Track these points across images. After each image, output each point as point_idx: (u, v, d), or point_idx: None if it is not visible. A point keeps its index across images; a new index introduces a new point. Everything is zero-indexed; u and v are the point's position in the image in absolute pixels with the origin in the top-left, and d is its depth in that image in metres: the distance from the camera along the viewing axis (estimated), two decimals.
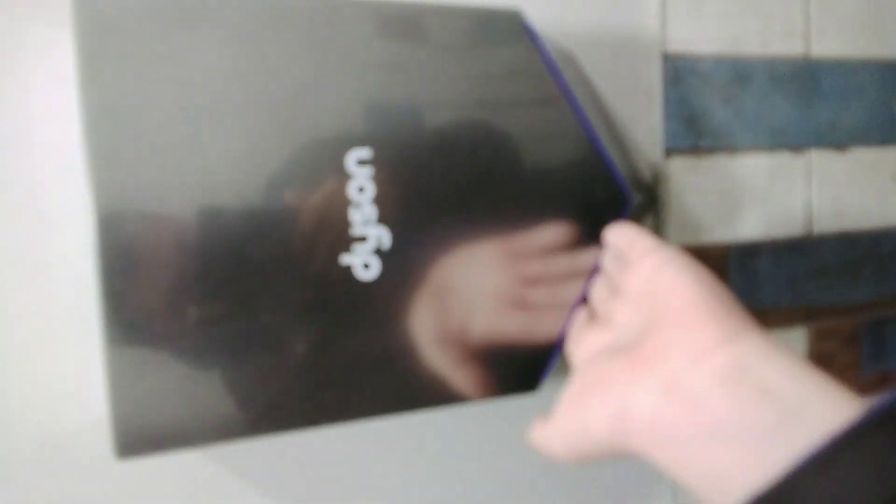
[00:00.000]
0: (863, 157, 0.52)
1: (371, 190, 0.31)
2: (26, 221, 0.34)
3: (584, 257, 0.35)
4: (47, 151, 0.34)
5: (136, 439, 0.28)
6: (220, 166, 0.29)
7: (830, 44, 0.50)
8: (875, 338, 0.53)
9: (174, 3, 0.28)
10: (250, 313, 0.29)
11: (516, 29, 0.34)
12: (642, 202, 0.45)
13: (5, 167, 0.33)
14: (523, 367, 0.35)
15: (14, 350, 0.34)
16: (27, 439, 0.34)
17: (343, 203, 0.31)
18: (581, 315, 0.35)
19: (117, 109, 0.27)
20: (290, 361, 0.30)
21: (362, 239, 0.31)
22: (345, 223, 0.31)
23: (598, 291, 0.34)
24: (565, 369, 0.42)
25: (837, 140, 0.51)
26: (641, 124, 0.46)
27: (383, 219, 0.31)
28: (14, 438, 0.34)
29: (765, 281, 0.49)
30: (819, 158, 0.51)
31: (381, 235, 0.31)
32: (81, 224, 0.34)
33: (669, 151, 0.46)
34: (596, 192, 0.36)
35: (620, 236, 0.34)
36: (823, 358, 0.52)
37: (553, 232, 0.35)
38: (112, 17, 0.27)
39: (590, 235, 0.35)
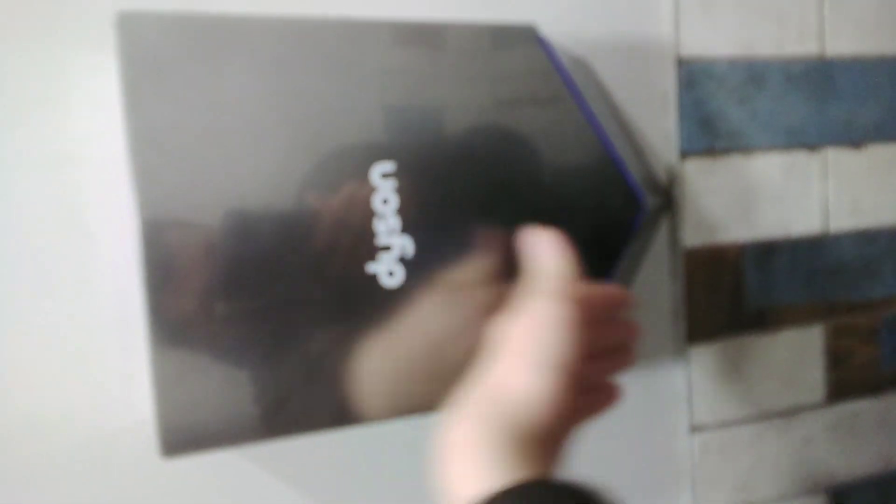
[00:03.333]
0: (879, 154, 0.52)
1: (395, 201, 0.33)
2: (73, 237, 0.36)
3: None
4: (90, 170, 0.36)
5: (181, 439, 0.30)
6: (252, 181, 0.31)
7: (845, 43, 0.51)
8: (894, 333, 0.54)
9: (209, 29, 0.30)
10: (282, 321, 0.31)
11: (531, 42, 0.35)
12: (659, 204, 0.46)
13: (52, 186, 0.36)
14: None
15: (64, 358, 0.36)
16: (76, 441, 0.36)
17: (368, 214, 0.32)
18: None
19: (158, 132, 0.29)
20: (321, 366, 0.32)
21: (387, 248, 0.33)
22: (370, 233, 0.32)
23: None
24: None
25: (854, 138, 0.51)
26: (657, 128, 0.47)
27: (407, 228, 0.33)
28: (64, 440, 0.36)
29: (782, 279, 0.50)
30: (835, 156, 0.51)
31: (405, 244, 0.33)
32: (123, 239, 0.36)
33: (685, 154, 0.47)
34: (610, 197, 0.37)
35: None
36: (842, 354, 0.52)
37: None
38: (153, 44, 0.29)
39: (605, 239, 0.37)
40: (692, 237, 0.48)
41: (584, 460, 0.47)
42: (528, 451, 0.26)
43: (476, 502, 0.24)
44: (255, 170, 0.31)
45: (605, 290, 0.35)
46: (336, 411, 0.33)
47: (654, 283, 0.48)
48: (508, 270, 0.34)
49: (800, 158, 0.50)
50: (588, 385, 0.33)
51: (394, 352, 0.33)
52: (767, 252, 0.49)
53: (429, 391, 0.33)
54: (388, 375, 0.33)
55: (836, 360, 0.52)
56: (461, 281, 0.34)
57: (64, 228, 0.36)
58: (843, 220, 0.51)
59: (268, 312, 0.31)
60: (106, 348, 0.37)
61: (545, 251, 0.33)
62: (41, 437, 0.36)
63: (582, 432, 0.46)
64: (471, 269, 0.34)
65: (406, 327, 0.33)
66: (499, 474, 0.25)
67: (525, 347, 0.29)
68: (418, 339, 0.33)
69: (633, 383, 0.48)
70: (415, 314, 0.33)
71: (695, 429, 0.49)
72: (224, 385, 0.31)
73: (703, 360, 0.49)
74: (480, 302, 0.34)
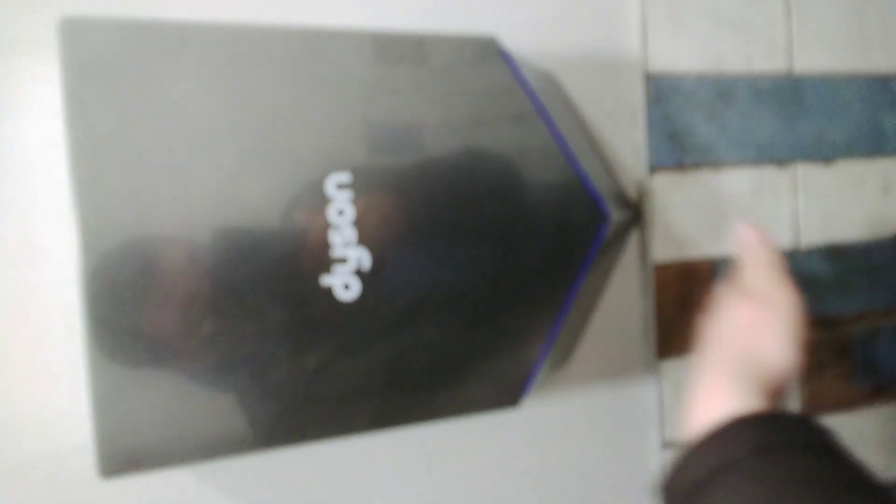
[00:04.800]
0: (849, 170, 0.52)
1: (351, 213, 0.32)
2: (19, 248, 0.35)
3: None
4: (40, 180, 0.35)
5: (120, 459, 0.29)
6: (201, 193, 0.30)
7: (813, 59, 0.51)
8: (867, 349, 0.53)
9: (155, 36, 0.29)
10: (232, 335, 0.30)
11: (492, 54, 0.35)
12: (628, 219, 0.45)
13: (0, 196, 0.35)
14: (504, 383, 0.35)
15: (8, 372, 0.35)
16: (17, 460, 0.35)
17: (323, 226, 0.32)
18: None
19: (101, 142, 0.28)
20: (272, 381, 0.31)
21: (342, 260, 0.32)
22: (325, 245, 0.32)
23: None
24: (543, 388, 0.42)
25: (823, 153, 0.51)
26: (626, 142, 0.47)
27: (363, 240, 0.32)
28: (8, 457, 0.35)
29: None
30: (805, 172, 0.51)
31: (361, 256, 0.32)
32: (71, 250, 0.35)
33: (654, 168, 0.47)
34: (574, 210, 0.36)
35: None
36: (815, 370, 0.52)
37: None
38: (96, 50, 0.28)
39: (568, 253, 0.36)
40: (662, 252, 0.47)
41: (555, 478, 0.47)
42: (770, 395, 0.33)
43: (732, 417, 0.30)
44: (204, 183, 0.30)
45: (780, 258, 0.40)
46: (292, 427, 0.32)
47: (625, 299, 0.47)
48: None
49: (769, 174, 0.50)
50: None
51: None
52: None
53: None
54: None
55: (810, 376, 0.52)
56: None
57: (12, 240, 0.35)
58: (814, 236, 0.51)
59: (217, 327, 0.30)
60: (52, 363, 0.35)
61: (756, 245, 0.39)
62: None
63: (553, 449, 0.46)
64: None
65: None
66: (747, 403, 0.31)
67: (776, 325, 0.35)
68: None
69: (604, 399, 0.47)
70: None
71: (667, 445, 0.48)
72: (169, 402, 0.30)
73: (674, 376, 0.48)
74: None
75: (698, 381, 0.35)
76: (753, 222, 0.40)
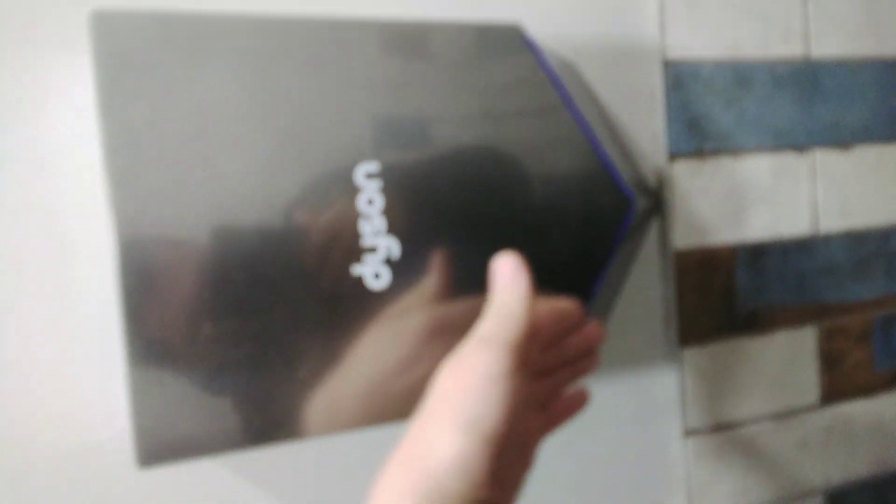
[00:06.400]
0: (867, 155, 0.52)
1: (380, 202, 0.32)
2: (50, 246, 0.35)
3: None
4: (69, 178, 0.35)
5: (157, 449, 0.29)
6: (233, 186, 0.30)
7: (830, 44, 0.51)
8: (886, 334, 0.53)
9: (186, 31, 0.29)
10: (265, 327, 0.30)
11: (516, 41, 0.35)
12: (649, 206, 0.45)
13: (29, 194, 0.35)
14: None
15: (41, 369, 0.35)
16: (54, 451, 0.35)
17: (353, 215, 0.32)
18: None
19: (135, 136, 0.28)
20: (304, 371, 0.31)
21: (372, 250, 0.32)
22: (355, 235, 0.32)
23: None
24: None
25: (841, 139, 0.51)
26: (645, 130, 0.47)
27: (392, 229, 0.32)
28: (42, 450, 0.35)
29: (773, 281, 0.49)
30: (823, 158, 0.51)
31: (391, 246, 0.32)
32: (102, 248, 0.36)
33: (673, 156, 0.47)
34: (600, 199, 0.36)
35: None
36: (834, 356, 0.52)
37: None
38: (127, 44, 0.28)
39: (595, 242, 0.36)
40: (682, 239, 0.47)
41: (575, 467, 0.47)
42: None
43: None
44: (236, 174, 0.30)
45: (557, 307, 0.33)
46: (319, 418, 0.32)
47: (645, 287, 0.47)
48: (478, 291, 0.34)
49: (788, 160, 0.50)
50: (547, 400, 0.32)
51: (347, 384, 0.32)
52: (758, 254, 0.49)
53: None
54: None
55: (830, 362, 0.52)
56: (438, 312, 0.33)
57: (43, 237, 0.35)
58: (833, 222, 0.51)
59: (251, 320, 0.30)
60: (86, 359, 0.36)
61: (500, 279, 0.30)
62: (21, 449, 0.35)
63: (574, 439, 0.46)
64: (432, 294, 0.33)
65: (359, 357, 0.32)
66: None
67: (455, 405, 0.26)
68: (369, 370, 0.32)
69: (625, 388, 0.47)
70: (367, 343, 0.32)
71: (688, 433, 0.48)
72: (202, 393, 0.30)
73: (696, 364, 0.48)
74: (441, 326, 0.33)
75: (377, 497, 0.26)
76: (515, 255, 0.30)
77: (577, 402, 0.34)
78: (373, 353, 0.32)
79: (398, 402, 0.32)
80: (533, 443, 0.30)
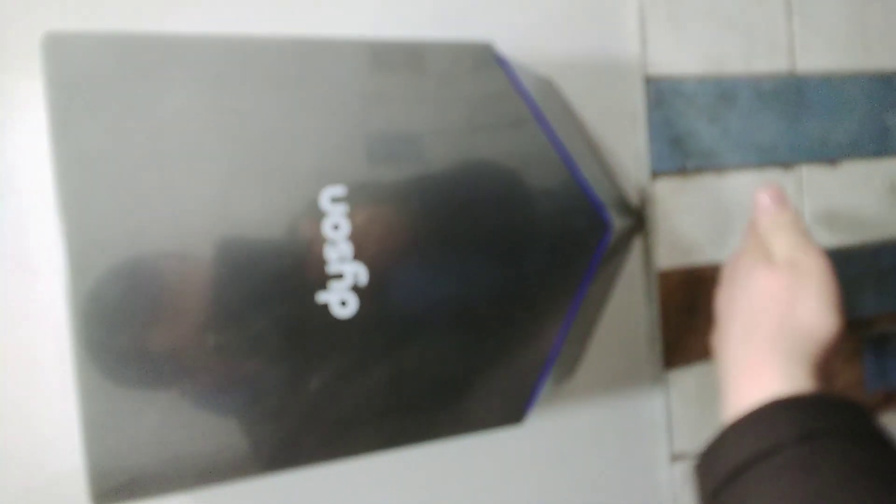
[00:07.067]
0: (855, 171, 0.51)
1: (346, 227, 0.31)
2: (9, 268, 0.34)
3: None
4: (32, 200, 0.34)
5: (112, 485, 0.28)
6: (193, 211, 0.29)
7: (816, 58, 0.50)
8: (878, 354, 0.52)
9: (144, 53, 0.28)
10: (226, 356, 0.29)
11: (487, 59, 0.34)
12: (630, 226, 0.44)
13: None
14: (508, 399, 0.34)
15: (0, 397, 0.34)
16: (9, 487, 0.34)
17: (318, 241, 0.31)
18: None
19: (88, 158, 0.28)
20: (271, 402, 0.30)
21: (339, 276, 0.31)
22: (320, 261, 0.31)
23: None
24: (547, 402, 0.41)
25: (828, 154, 0.50)
26: (627, 148, 0.46)
27: (359, 255, 0.31)
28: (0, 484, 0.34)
29: None
30: (810, 174, 0.50)
31: (358, 272, 0.31)
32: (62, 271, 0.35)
33: (656, 174, 0.46)
34: (576, 218, 0.36)
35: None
36: (825, 377, 0.51)
37: None
38: (81, 66, 0.27)
39: (571, 263, 0.35)
40: (666, 259, 0.46)
41: (562, 493, 0.45)
42: (816, 369, 0.31)
43: (776, 398, 0.28)
44: (195, 199, 0.29)
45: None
46: (289, 450, 0.31)
47: (629, 307, 0.46)
48: None
49: (774, 176, 0.49)
50: None
51: None
52: None
53: None
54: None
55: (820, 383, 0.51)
56: None
57: (3, 261, 0.34)
58: (821, 239, 0.50)
59: (211, 349, 0.29)
60: (46, 387, 0.34)
61: (780, 205, 0.37)
62: None
63: (558, 464, 0.45)
64: None
65: None
66: (794, 380, 0.30)
67: (817, 290, 0.32)
68: None
69: (609, 412, 0.46)
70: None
71: (675, 457, 0.47)
72: (162, 425, 0.29)
73: (682, 386, 0.47)
74: None
75: (733, 359, 0.33)
76: (770, 184, 0.38)
77: None
78: None
79: None
80: None
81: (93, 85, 0.27)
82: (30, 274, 0.35)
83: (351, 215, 0.31)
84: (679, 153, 0.46)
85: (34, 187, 0.34)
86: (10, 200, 0.34)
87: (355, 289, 0.31)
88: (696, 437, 0.47)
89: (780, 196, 0.37)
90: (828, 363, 0.32)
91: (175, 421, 0.29)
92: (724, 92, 0.47)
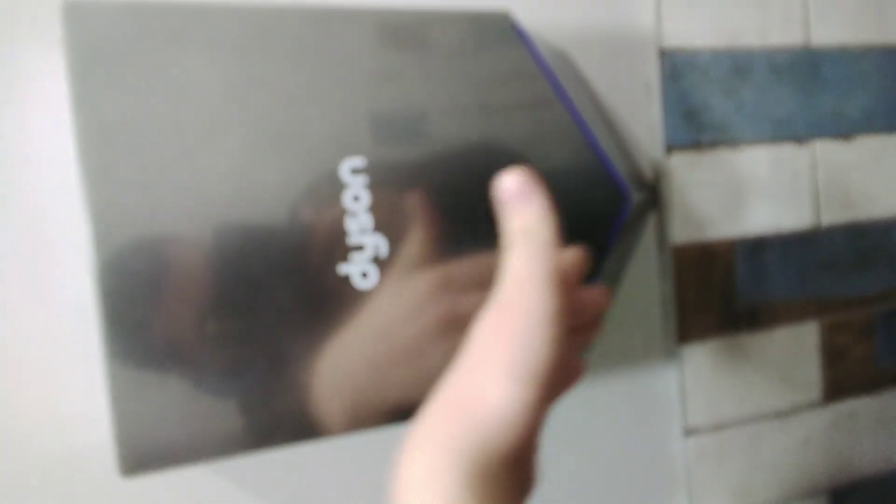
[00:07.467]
0: (869, 146, 0.51)
1: (366, 199, 0.31)
2: (30, 244, 0.34)
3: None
4: (48, 173, 0.34)
5: (140, 457, 0.28)
6: (214, 182, 0.29)
7: (831, 32, 0.50)
8: (890, 329, 0.52)
9: (165, 22, 0.28)
10: (249, 328, 0.29)
11: (505, 30, 0.34)
12: (645, 200, 0.44)
13: (7, 189, 0.34)
14: None
15: (20, 372, 0.34)
16: (35, 460, 0.34)
17: (338, 212, 0.31)
18: None
19: (110, 130, 0.27)
20: (290, 374, 0.30)
21: (359, 248, 0.31)
22: (341, 233, 0.31)
23: None
24: None
25: (843, 129, 0.50)
26: (641, 121, 0.46)
27: (380, 227, 0.31)
28: (23, 459, 0.34)
29: (773, 275, 0.48)
30: (824, 148, 0.50)
31: (378, 244, 0.31)
32: (83, 244, 0.35)
33: (670, 148, 0.46)
34: (594, 192, 0.35)
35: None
36: (837, 352, 0.51)
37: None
38: (102, 34, 0.27)
39: (589, 237, 0.35)
40: (680, 233, 0.46)
41: (574, 467, 0.46)
42: (499, 487, 0.23)
43: None
44: (216, 170, 0.29)
45: (575, 256, 0.30)
46: (310, 422, 0.31)
47: (643, 282, 0.46)
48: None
49: (788, 151, 0.49)
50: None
51: (358, 358, 0.31)
52: (758, 247, 0.48)
53: (406, 398, 0.31)
54: (356, 383, 0.31)
55: (832, 358, 0.51)
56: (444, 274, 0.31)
57: (20, 235, 0.34)
58: (835, 214, 0.50)
59: (234, 321, 0.29)
60: (66, 361, 0.35)
61: (520, 205, 0.26)
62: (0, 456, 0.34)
63: (572, 438, 0.45)
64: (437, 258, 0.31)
65: (370, 329, 0.31)
66: None
67: (504, 351, 0.24)
68: (384, 341, 0.31)
69: (624, 386, 0.46)
70: (379, 313, 0.31)
71: (689, 432, 0.47)
72: (188, 399, 0.29)
73: (696, 361, 0.47)
74: (460, 295, 0.32)
75: (410, 461, 0.24)
76: (524, 170, 0.26)
77: (579, 371, 0.32)
78: (366, 341, 0.31)
79: (404, 388, 0.31)
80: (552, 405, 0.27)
81: (114, 53, 0.27)
82: (48, 247, 0.34)
83: (371, 186, 0.31)
84: (693, 127, 0.46)
85: (50, 161, 0.34)
86: (27, 174, 0.34)
87: (376, 260, 0.31)
88: (710, 412, 0.47)
89: (528, 184, 0.26)
90: (516, 458, 0.24)
91: (198, 395, 0.29)
92: (738, 65, 0.47)
